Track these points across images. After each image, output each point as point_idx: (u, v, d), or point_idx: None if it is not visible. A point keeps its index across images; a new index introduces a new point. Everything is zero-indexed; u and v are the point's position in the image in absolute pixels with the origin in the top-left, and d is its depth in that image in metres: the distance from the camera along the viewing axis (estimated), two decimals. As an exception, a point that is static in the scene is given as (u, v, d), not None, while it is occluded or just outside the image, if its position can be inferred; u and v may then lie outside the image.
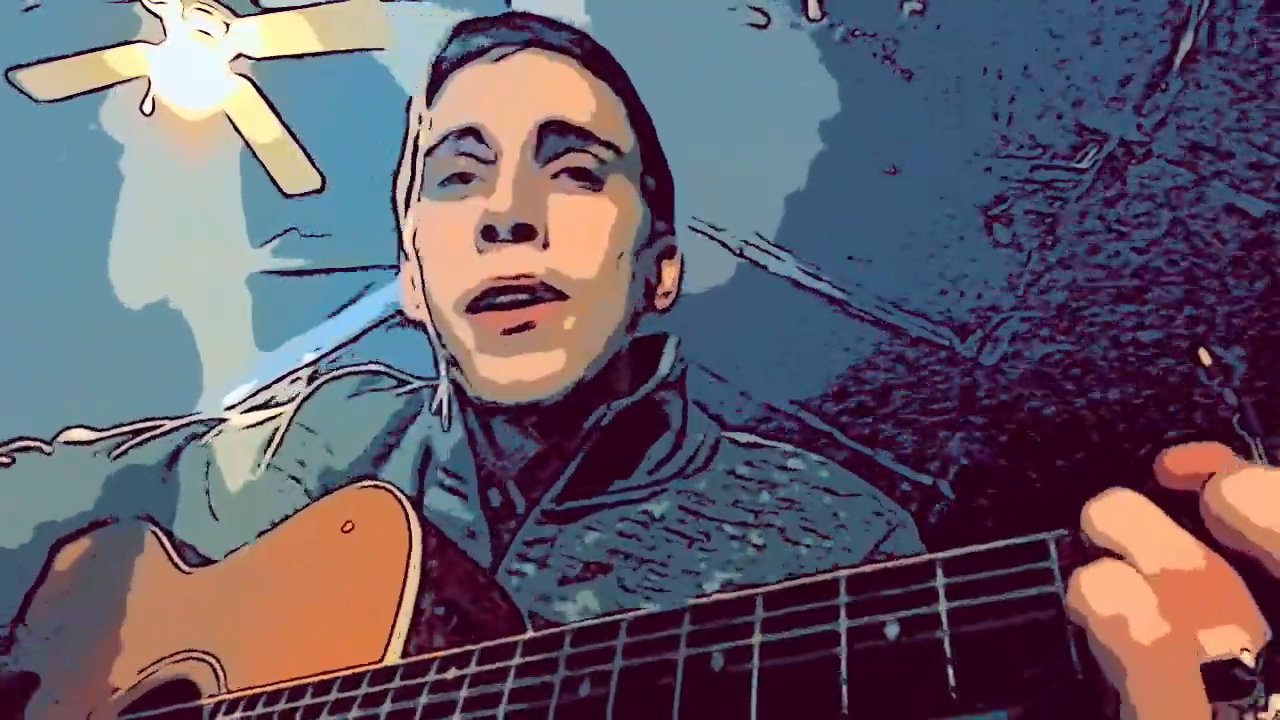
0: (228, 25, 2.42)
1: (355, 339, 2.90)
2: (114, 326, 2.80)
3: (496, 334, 0.72)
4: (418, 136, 0.81)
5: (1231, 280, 2.27)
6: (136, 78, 2.47)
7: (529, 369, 0.72)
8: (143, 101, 2.50)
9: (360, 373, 0.93)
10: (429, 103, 0.81)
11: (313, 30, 2.36)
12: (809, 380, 2.65)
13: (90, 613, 0.80)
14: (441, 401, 0.80)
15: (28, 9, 2.43)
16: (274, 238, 2.87)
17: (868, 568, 0.41)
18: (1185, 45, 2.01)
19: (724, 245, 2.56)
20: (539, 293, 0.72)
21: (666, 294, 0.84)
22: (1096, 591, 0.34)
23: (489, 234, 0.72)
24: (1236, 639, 0.33)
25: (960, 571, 0.39)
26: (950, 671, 0.37)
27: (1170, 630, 0.33)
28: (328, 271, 2.83)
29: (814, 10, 2.16)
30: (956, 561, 0.39)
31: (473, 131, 0.75)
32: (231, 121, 2.56)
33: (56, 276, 2.72)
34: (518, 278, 0.71)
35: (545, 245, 0.72)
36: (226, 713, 0.61)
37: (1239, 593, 0.34)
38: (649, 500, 0.76)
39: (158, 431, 0.91)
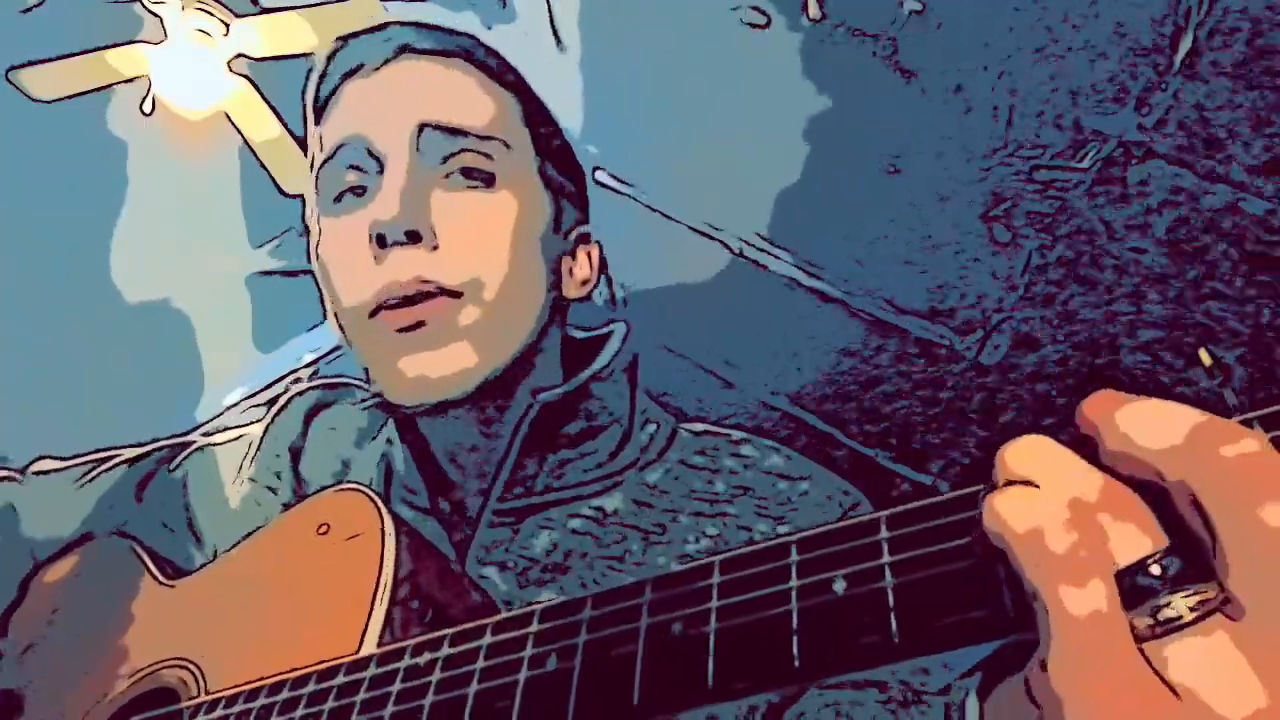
0: (227, 25, 2.42)
1: (355, 339, 2.90)
2: (112, 327, 2.80)
3: (393, 333, 0.73)
4: (311, 163, 0.83)
5: (1231, 280, 2.27)
6: (136, 78, 2.47)
7: (432, 366, 0.74)
8: (143, 101, 2.51)
9: (328, 386, 0.94)
10: (317, 127, 0.83)
11: (313, 30, 2.36)
12: (808, 380, 2.65)
13: (73, 628, 0.80)
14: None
15: (28, 9, 2.43)
16: (274, 238, 2.88)
17: (819, 528, 0.43)
18: (1185, 45, 2.00)
19: (724, 245, 2.56)
20: (430, 293, 0.73)
21: (585, 282, 0.86)
22: (1009, 510, 0.37)
23: (381, 241, 0.73)
24: (1141, 547, 0.36)
25: (903, 525, 0.42)
26: (893, 620, 0.40)
27: (1081, 539, 0.36)
28: (328, 271, 2.83)
29: (814, 10, 2.16)
30: (899, 516, 0.43)
31: (354, 143, 0.77)
32: (231, 121, 2.56)
33: (55, 275, 2.72)
34: (408, 284, 0.73)
35: (435, 247, 0.74)
36: (206, 713, 0.62)
37: (1138, 508, 0.37)
38: (600, 495, 0.77)
39: (123, 458, 0.92)
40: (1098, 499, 0.37)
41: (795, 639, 0.41)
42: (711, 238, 2.56)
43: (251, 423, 0.90)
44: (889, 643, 0.39)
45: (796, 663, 0.40)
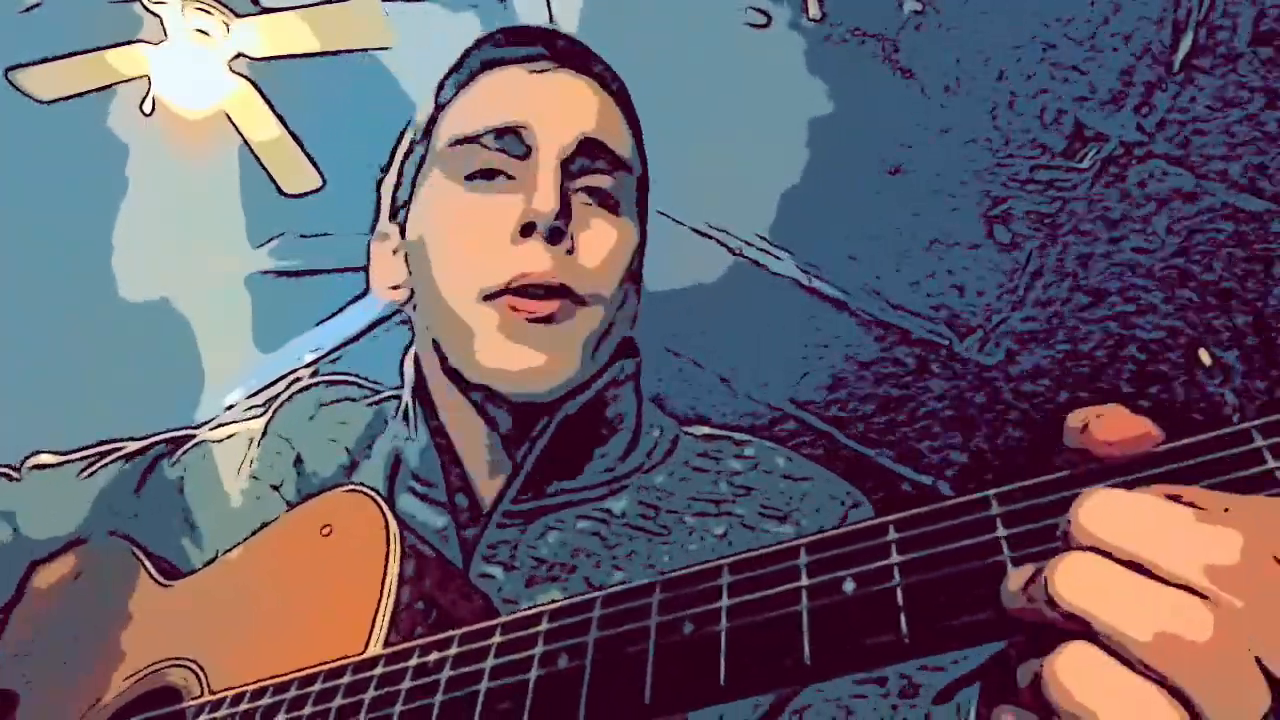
0: (228, 25, 2.42)
1: (355, 339, 2.90)
2: (113, 328, 2.80)
3: (519, 321, 0.73)
4: (432, 118, 0.83)
5: (1231, 280, 2.28)
6: (137, 78, 2.47)
7: (541, 361, 0.74)
8: (143, 101, 2.51)
9: (331, 382, 0.94)
10: (456, 92, 0.82)
11: (313, 30, 2.37)
12: (809, 380, 2.65)
13: (70, 630, 0.80)
14: (407, 404, 0.81)
15: (28, 9, 2.43)
16: (274, 238, 2.88)
17: (827, 532, 0.44)
18: (1185, 45, 2.01)
19: (724, 245, 2.56)
20: (561, 294, 0.74)
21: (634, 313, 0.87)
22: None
23: (528, 230, 0.74)
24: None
25: (911, 528, 0.41)
26: (903, 620, 0.39)
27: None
28: (328, 272, 2.83)
29: (814, 10, 2.16)
30: (908, 520, 0.42)
31: (517, 130, 0.77)
32: (231, 121, 2.56)
33: (54, 277, 2.72)
34: (544, 275, 0.73)
35: (570, 251, 0.75)
36: (210, 712, 0.62)
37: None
38: (608, 498, 0.77)
39: (123, 452, 0.92)
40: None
41: (806, 637, 0.41)
42: (712, 238, 2.57)
43: (253, 418, 0.89)
44: (899, 641, 0.39)
45: (808, 661, 0.40)
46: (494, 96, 0.80)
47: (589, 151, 0.77)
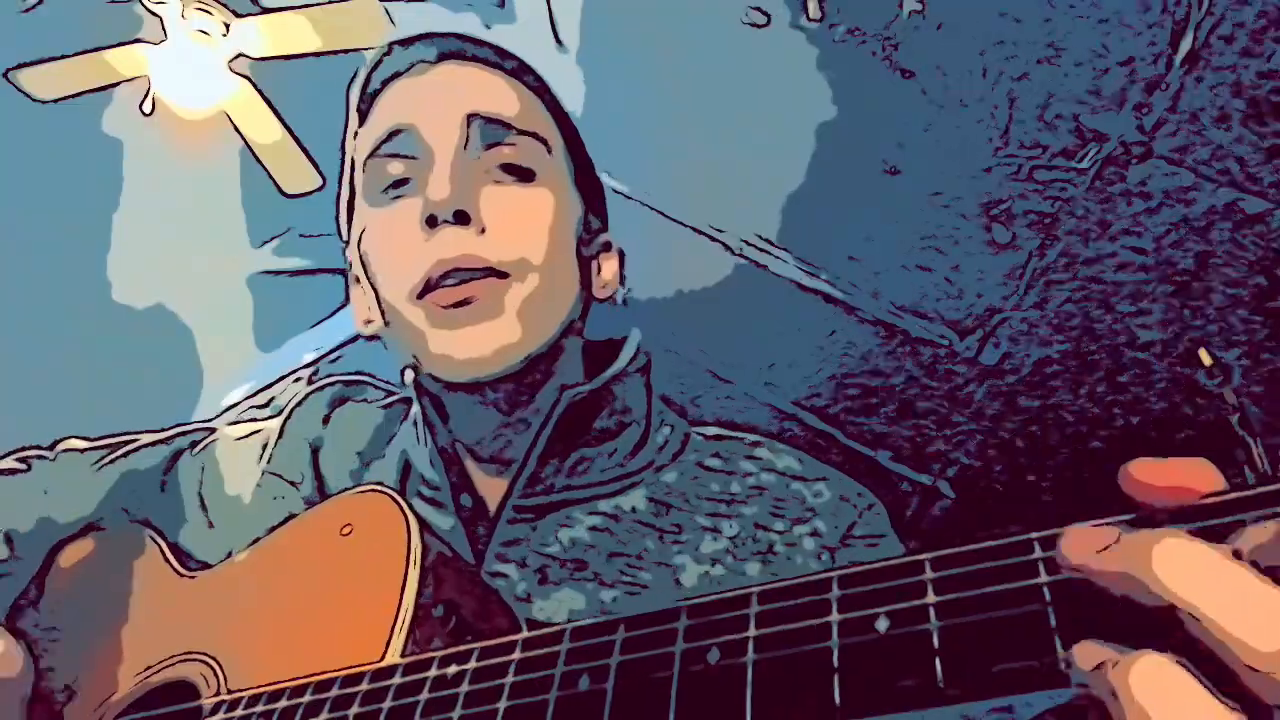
0: (228, 25, 2.42)
1: (355, 339, 2.90)
2: (113, 327, 2.80)
3: (444, 310, 0.74)
4: (353, 159, 0.85)
5: (1230, 279, 2.28)
6: (136, 78, 2.47)
7: (481, 342, 0.74)
8: (143, 101, 2.51)
9: (346, 382, 0.94)
10: (360, 127, 0.85)
11: (313, 30, 2.37)
12: (809, 380, 2.65)
13: (89, 616, 0.80)
14: (415, 414, 0.82)
15: (28, 9, 2.43)
16: (273, 238, 2.88)
17: (859, 565, 0.42)
18: (1185, 45, 2.01)
19: (724, 245, 2.56)
20: (479, 272, 0.74)
21: (605, 285, 0.87)
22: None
23: (432, 222, 0.75)
24: None
25: (948, 567, 0.40)
26: (938, 663, 0.38)
27: None
28: (328, 271, 2.83)
29: (814, 10, 2.16)
30: (945, 559, 0.40)
31: (404, 133, 0.78)
32: (231, 121, 2.56)
33: (56, 276, 2.72)
34: (459, 259, 0.74)
35: (482, 231, 0.75)
36: (226, 712, 0.62)
37: None
38: (619, 495, 0.77)
39: (146, 441, 0.92)
40: None
41: (837, 676, 0.39)
42: (712, 238, 2.57)
43: (270, 416, 0.90)
44: (933, 686, 0.37)
45: (838, 700, 0.39)
46: (383, 112, 0.83)
47: (483, 127, 0.78)
